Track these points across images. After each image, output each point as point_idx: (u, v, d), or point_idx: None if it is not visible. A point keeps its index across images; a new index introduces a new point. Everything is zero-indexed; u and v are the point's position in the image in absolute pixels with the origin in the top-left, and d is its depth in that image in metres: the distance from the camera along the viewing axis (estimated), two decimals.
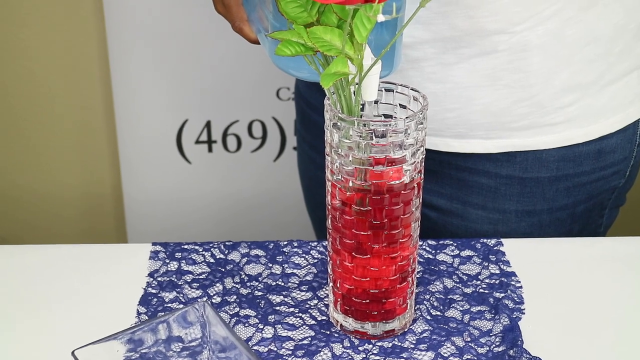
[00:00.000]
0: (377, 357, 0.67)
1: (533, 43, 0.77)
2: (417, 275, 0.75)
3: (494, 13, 0.75)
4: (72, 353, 0.56)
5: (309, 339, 0.69)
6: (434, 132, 0.83)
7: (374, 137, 0.61)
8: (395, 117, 0.66)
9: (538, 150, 0.82)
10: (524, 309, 0.72)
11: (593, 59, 0.79)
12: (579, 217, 0.87)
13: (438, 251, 0.79)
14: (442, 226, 0.89)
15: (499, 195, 0.85)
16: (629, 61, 0.81)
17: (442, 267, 0.77)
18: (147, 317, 0.71)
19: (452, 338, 0.69)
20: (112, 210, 1.60)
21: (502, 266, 0.77)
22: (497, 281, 0.75)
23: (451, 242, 0.80)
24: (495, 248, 0.79)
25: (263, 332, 0.69)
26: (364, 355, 0.67)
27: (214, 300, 0.73)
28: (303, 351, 0.67)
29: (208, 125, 1.49)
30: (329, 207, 0.67)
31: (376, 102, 0.66)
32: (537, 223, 0.86)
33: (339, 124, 0.62)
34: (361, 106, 0.63)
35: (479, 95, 0.80)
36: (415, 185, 0.64)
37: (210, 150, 1.51)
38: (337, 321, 0.70)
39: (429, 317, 0.71)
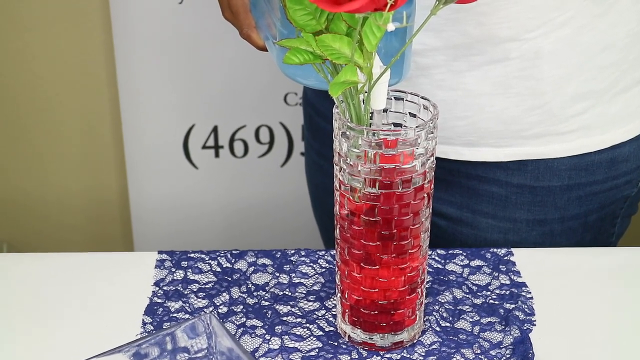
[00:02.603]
0: None
1: (545, 50, 0.76)
2: (426, 286, 0.74)
3: (506, 20, 0.74)
4: None
5: (317, 350, 0.68)
6: (444, 140, 0.82)
7: (383, 147, 0.60)
8: (405, 126, 0.65)
9: (550, 158, 0.81)
10: (535, 321, 0.71)
11: (606, 67, 0.78)
12: (590, 226, 0.86)
13: (447, 261, 0.78)
14: (451, 235, 0.88)
15: (509, 204, 0.84)
16: None
17: (451, 277, 0.76)
18: (152, 327, 0.70)
19: (461, 350, 0.68)
20: (118, 216, 1.59)
21: (512, 276, 0.76)
22: (508, 292, 0.74)
23: (461, 252, 0.79)
24: (505, 258, 0.78)
25: (270, 343, 0.69)
26: None
27: (220, 310, 0.72)
28: None
29: (215, 130, 1.49)
30: (337, 216, 0.66)
31: (385, 110, 0.65)
32: (548, 232, 0.85)
33: (347, 133, 0.61)
34: (370, 115, 0.62)
35: (489, 103, 0.79)
36: (425, 195, 0.63)
37: (217, 155, 1.51)
38: (345, 332, 0.69)
39: (438, 329, 0.70)
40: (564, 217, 0.84)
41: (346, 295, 0.67)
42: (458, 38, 0.76)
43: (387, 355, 0.67)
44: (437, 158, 0.83)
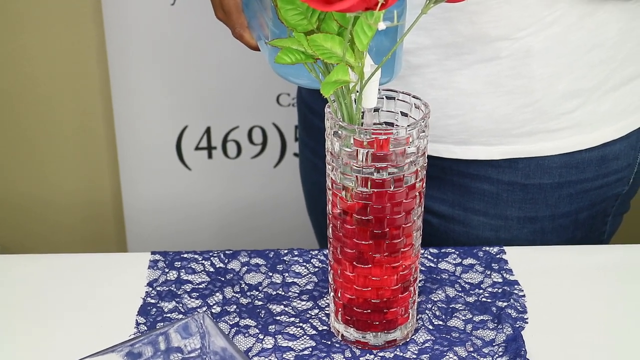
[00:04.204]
0: None
1: (535, 49, 0.76)
2: (419, 284, 0.75)
3: (496, 19, 0.74)
4: None
5: (310, 349, 0.68)
6: (435, 139, 0.82)
7: (375, 146, 0.60)
8: (396, 126, 0.65)
9: (541, 156, 0.82)
10: (527, 319, 0.71)
11: (596, 65, 0.78)
12: (581, 224, 0.86)
13: (440, 259, 0.78)
14: (443, 232, 0.88)
15: (501, 201, 0.84)
16: (633, 67, 0.81)
17: (444, 276, 0.76)
18: (146, 328, 0.70)
19: (454, 348, 0.68)
20: (111, 217, 1.59)
21: (504, 274, 0.76)
22: (500, 290, 0.74)
23: (453, 250, 0.79)
24: (497, 256, 0.79)
25: (263, 342, 0.69)
26: None
27: (213, 310, 0.72)
28: None
29: (208, 131, 1.49)
30: (330, 216, 0.66)
31: (377, 110, 0.65)
32: (539, 230, 0.85)
33: (339, 132, 0.61)
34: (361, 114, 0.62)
35: (481, 101, 0.79)
36: (417, 193, 0.64)
37: (210, 156, 1.51)
38: (338, 331, 0.69)
39: (431, 327, 0.70)
40: (554, 214, 0.85)
41: (339, 294, 0.68)
42: (449, 37, 0.76)
43: (380, 354, 0.68)
44: (428, 156, 0.83)
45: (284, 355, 0.67)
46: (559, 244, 0.86)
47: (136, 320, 0.71)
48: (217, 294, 0.74)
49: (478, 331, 0.70)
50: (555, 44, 0.76)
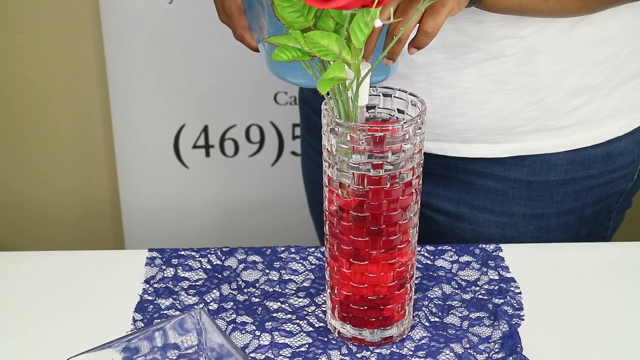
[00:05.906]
0: None
1: (541, 46, 0.76)
2: (416, 281, 0.75)
3: (502, 17, 0.74)
4: None
5: (307, 346, 0.68)
6: (441, 138, 0.82)
7: (371, 143, 0.60)
8: (393, 122, 0.65)
9: (546, 153, 0.82)
10: (524, 315, 0.71)
11: (602, 61, 0.78)
12: (586, 220, 0.87)
13: (437, 257, 0.79)
14: (449, 230, 0.88)
15: (506, 198, 0.84)
16: (638, 63, 0.81)
17: (440, 273, 0.76)
18: (143, 324, 0.70)
19: (450, 345, 0.68)
20: (109, 216, 1.59)
21: (501, 272, 0.77)
22: (496, 287, 0.75)
23: (450, 248, 0.79)
24: (494, 253, 0.79)
25: (260, 339, 0.69)
26: None
27: (210, 307, 0.72)
28: (300, 358, 0.67)
29: (205, 130, 1.49)
30: (327, 213, 0.66)
31: (374, 107, 0.65)
32: (545, 227, 0.86)
33: (336, 129, 0.61)
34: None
35: (487, 99, 0.79)
36: (414, 190, 0.64)
37: (207, 155, 1.51)
38: (335, 328, 0.69)
39: (427, 324, 0.70)
40: (560, 211, 0.85)
41: (336, 291, 0.68)
42: (455, 36, 0.76)
43: (377, 351, 0.68)
44: (434, 155, 0.83)
45: (280, 352, 0.68)
46: (564, 241, 0.86)
47: (133, 317, 0.71)
48: (214, 290, 0.74)
49: (474, 328, 0.70)
50: (561, 41, 0.76)
